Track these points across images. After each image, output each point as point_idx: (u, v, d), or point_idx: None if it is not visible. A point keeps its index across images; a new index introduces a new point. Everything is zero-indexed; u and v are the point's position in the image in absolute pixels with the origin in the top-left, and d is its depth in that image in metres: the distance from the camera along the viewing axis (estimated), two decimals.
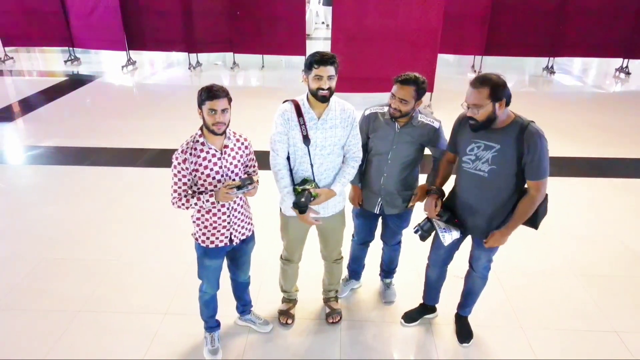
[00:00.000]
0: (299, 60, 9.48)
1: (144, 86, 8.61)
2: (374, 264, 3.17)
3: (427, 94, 6.72)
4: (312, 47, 9.45)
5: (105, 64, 10.02)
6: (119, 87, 8.51)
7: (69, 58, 9.58)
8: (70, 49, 9.53)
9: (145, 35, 8.98)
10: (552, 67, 9.06)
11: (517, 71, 9.74)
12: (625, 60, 8.88)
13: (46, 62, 10.34)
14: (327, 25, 14.39)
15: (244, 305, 2.81)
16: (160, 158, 5.17)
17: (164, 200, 4.19)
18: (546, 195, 2.29)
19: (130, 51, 9.24)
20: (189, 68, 9.20)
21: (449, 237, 2.36)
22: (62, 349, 2.66)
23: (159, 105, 7.26)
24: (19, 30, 9.22)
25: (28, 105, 7.08)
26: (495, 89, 2.08)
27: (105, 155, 5.29)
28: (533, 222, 2.33)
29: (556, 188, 4.58)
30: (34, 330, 2.79)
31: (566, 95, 8.11)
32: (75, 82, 8.47)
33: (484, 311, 2.92)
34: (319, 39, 13.07)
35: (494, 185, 2.25)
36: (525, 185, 2.28)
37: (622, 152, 5.50)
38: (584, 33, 8.47)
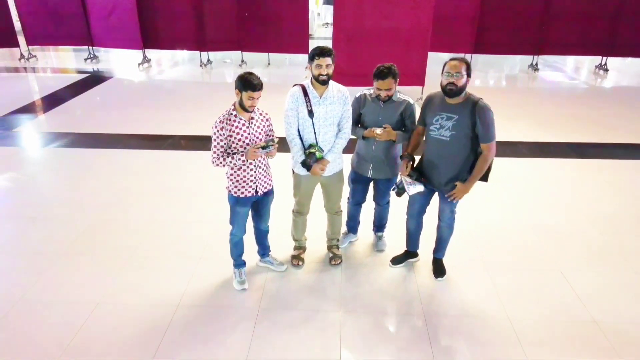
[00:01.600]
0: (302, 58, 10.19)
1: (160, 82, 9.32)
2: (369, 221, 3.89)
3: (419, 88, 7.50)
4: (314, 46, 10.17)
5: (121, 61, 10.73)
6: (138, 83, 9.23)
7: (89, 56, 10.31)
8: (90, 47, 10.25)
9: (160, 34, 9.70)
10: (536, 64, 9.78)
11: (504, 68, 10.45)
12: (604, 58, 9.59)
13: (65, 60, 11.05)
14: (328, 24, 15.08)
15: (264, 250, 3.52)
16: (182, 142, 5.89)
17: (189, 176, 4.97)
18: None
19: (145, 50, 9.96)
20: (201, 65, 9.92)
21: (413, 189, 3.08)
22: (121, 283, 3.37)
23: (176, 98, 7.98)
24: (43, 30, 9.94)
25: (57, 98, 7.80)
26: (468, 66, 2.86)
27: (135, 140, 6.01)
28: (484, 177, 3.06)
29: (537, 167, 5.34)
30: (97, 270, 3.51)
31: (549, 90, 8.82)
32: (97, 78, 9.20)
33: (458, 257, 3.63)
34: (320, 38, 13.80)
35: (453, 147, 2.97)
36: (479, 149, 2.99)
37: (597, 138, 6.21)
38: (566, 33, 9.19)
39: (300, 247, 3.64)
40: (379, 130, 3.14)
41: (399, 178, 3.27)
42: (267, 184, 3.16)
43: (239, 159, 2.93)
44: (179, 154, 5.58)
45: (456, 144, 2.97)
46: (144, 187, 4.79)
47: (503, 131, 6.13)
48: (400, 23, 7.17)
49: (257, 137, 2.99)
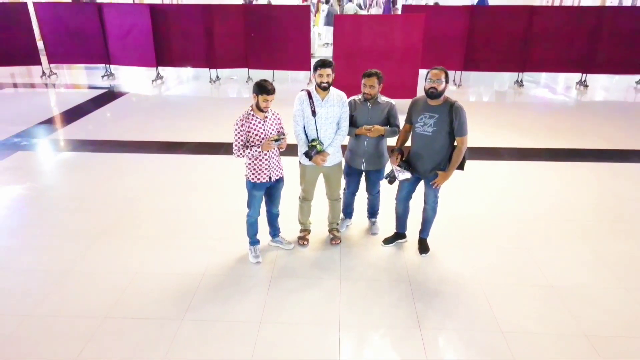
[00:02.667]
0: (304, 76, 10.95)
1: (173, 97, 10.03)
2: (364, 210, 4.51)
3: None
4: None
5: (135, 78, 11.46)
6: (153, 98, 9.93)
7: (105, 73, 11.06)
8: (107, 65, 11.01)
9: (173, 53, 10.46)
10: (521, 80, 10.52)
11: (491, 84, 11.18)
12: (584, 75, 10.34)
13: (83, 77, 11.79)
14: (328, 44, 15.90)
15: (274, 231, 4.14)
16: (197, 148, 6.55)
17: (204, 175, 5.65)
18: (467, 148, 3.66)
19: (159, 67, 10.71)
20: (210, 82, 10.66)
21: (402, 175, 3.72)
22: (154, 258, 3.99)
23: (189, 111, 8.67)
24: (64, 49, 10.67)
25: (80, 111, 8.48)
26: (447, 75, 3.55)
27: (154, 146, 6.68)
28: (461, 166, 3.70)
29: (515, 168, 5.99)
30: (132, 248, 4.13)
31: (531, 104, 9.53)
32: (114, 93, 9.92)
33: (440, 239, 4.24)
34: (321, 57, 14.58)
35: (434, 141, 3.63)
36: (455, 143, 3.65)
37: (570, 144, 6.85)
38: (548, 52, 9.94)
39: (305, 230, 4.25)
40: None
41: (389, 168, 3.91)
42: (279, 172, 3.80)
43: (256, 150, 3.57)
44: (195, 157, 6.23)
45: (437, 137, 3.63)
46: (166, 184, 5.43)
47: (487, 138, 6.83)
48: (393, 43, 7.92)
49: (270, 133, 3.65)
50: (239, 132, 3.58)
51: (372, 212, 4.44)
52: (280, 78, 11.03)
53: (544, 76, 11.73)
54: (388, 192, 4.35)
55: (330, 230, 4.30)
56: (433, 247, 4.14)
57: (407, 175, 3.75)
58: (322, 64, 3.66)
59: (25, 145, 6.67)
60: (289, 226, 4.31)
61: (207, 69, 10.74)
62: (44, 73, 10.94)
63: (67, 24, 10.48)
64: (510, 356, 3.00)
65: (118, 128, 7.58)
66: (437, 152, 3.68)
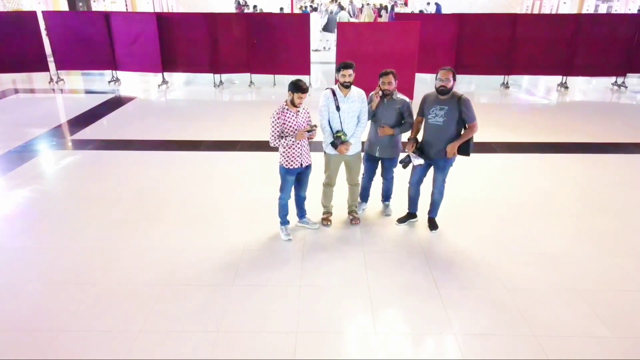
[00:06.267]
0: (304, 80, 11.51)
1: (181, 100, 10.52)
2: (378, 195, 5.09)
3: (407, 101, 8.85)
4: (313, 68, 11.61)
5: (140, 83, 11.89)
6: (161, 102, 10.39)
7: (112, 79, 11.47)
8: (113, 71, 11.43)
9: (178, 59, 10.93)
10: (507, 83, 11.28)
11: (479, 86, 11.92)
12: (564, 77, 11.14)
13: (89, 83, 12.15)
14: (329, 48, 16.57)
15: (302, 213, 4.68)
16: (214, 146, 7.05)
17: (227, 170, 6.13)
18: (472, 136, 4.26)
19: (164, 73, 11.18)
20: (214, 86, 11.16)
21: (417, 161, 4.31)
22: (197, 237, 4.49)
23: (196, 113, 9.17)
24: (72, 56, 11.07)
25: (95, 114, 8.88)
26: (454, 74, 4.14)
27: (174, 145, 7.16)
28: (467, 152, 4.30)
29: (505, 160, 6.63)
30: (176, 229, 4.62)
31: (516, 104, 10.28)
32: (121, 98, 10.34)
33: (446, 219, 4.83)
34: (316, 63, 15.18)
35: (445, 130, 4.22)
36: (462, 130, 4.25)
37: (552, 139, 7.55)
38: (531, 56, 10.71)
39: (328, 212, 4.80)
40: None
41: (404, 155, 4.49)
42: (308, 159, 4.35)
43: (290, 140, 4.12)
44: (213, 154, 6.73)
45: (447, 127, 4.23)
46: (193, 177, 5.92)
47: (479, 134, 7.46)
48: (392, 49, 8.56)
49: (302, 125, 4.20)
50: (275, 124, 4.12)
51: (386, 195, 5.02)
52: (281, 82, 11.58)
53: (527, 79, 12.52)
54: (401, 179, 4.93)
55: (349, 212, 4.85)
56: (441, 225, 4.73)
57: (421, 161, 4.34)
58: (345, 66, 4.24)
59: (50, 146, 7.08)
60: (311, 210, 4.85)
61: (211, 74, 11.22)
62: (51, 79, 11.29)
63: (75, 31, 10.87)
64: (514, 308, 3.58)
65: (135, 129, 8.04)
66: (447, 139, 4.27)
